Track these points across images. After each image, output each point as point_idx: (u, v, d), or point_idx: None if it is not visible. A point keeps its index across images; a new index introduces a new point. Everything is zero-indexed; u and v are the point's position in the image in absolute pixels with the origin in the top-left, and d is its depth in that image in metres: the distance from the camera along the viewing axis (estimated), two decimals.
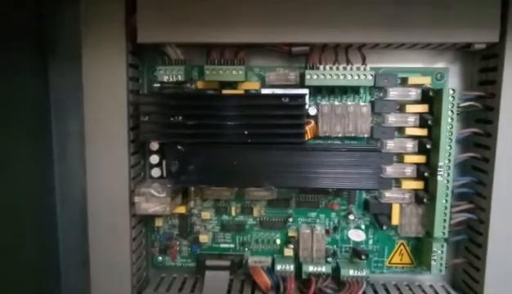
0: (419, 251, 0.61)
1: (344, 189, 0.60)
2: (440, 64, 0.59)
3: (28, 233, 0.58)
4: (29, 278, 0.58)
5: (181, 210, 0.61)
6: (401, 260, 0.63)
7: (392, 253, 0.62)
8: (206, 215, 0.62)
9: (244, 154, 0.54)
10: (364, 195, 0.61)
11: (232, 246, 0.63)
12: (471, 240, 0.59)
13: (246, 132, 0.53)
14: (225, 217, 0.63)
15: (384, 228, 0.59)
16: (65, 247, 0.64)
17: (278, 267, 0.59)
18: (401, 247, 0.62)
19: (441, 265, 0.57)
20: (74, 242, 0.63)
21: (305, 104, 0.54)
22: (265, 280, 0.59)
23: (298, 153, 0.54)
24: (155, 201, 0.55)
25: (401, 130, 0.59)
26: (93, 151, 0.56)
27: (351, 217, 0.61)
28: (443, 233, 0.56)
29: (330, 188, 0.57)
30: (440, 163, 0.55)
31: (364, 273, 0.59)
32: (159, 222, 0.63)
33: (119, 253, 0.57)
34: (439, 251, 0.57)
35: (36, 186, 0.60)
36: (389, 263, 0.63)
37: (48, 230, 0.62)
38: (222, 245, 0.63)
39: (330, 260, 0.61)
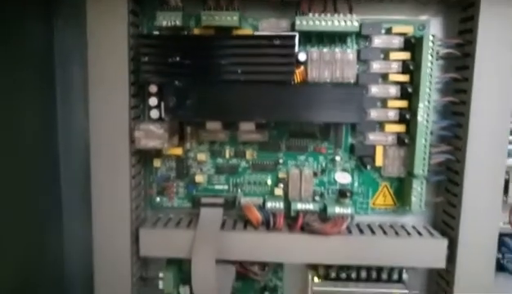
0: (402, 191, 0.65)
1: (331, 129, 0.64)
2: (423, 17, 0.63)
3: (29, 173, 0.60)
4: (30, 217, 0.61)
5: (178, 151, 0.65)
6: (384, 201, 0.66)
7: (376, 195, 0.66)
8: (202, 157, 0.65)
9: (238, 91, 0.58)
10: (350, 139, 0.65)
11: (226, 187, 0.67)
12: (450, 180, 0.63)
13: (239, 71, 0.57)
14: (219, 160, 0.66)
15: (368, 167, 0.63)
16: (67, 185, 0.67)
17: (269, 205, 0.63)
18: (385, 189, 0.66)
19: (420, 200, 0.61)
20: (75, 180, 0.66)
21: (295, 44, 0.57)
22: (256, 215, 0.62)
23: (287, 90, 0.58)
24: (154, 136, 0.58)
25: (385, 76, 0.63)
26: (96, 93, 0.59)
27: (337, 158, 0.64)
28: (423, 170, 0.60)
29: (316, 121, 0.61)
30: (420, 104, 0.59)
31: (349, 210, 0.62)
32: (157, 163, 0.66)
33: (119, 189, 0.61)
34: (419, 189, 0.61)
35: (39, 128, 0.62)
36: (373, 204, 0.67)
37: (50, 169, 0.65)
38: (216, 187, 0.67)
39: (317, 198, 0.65)
